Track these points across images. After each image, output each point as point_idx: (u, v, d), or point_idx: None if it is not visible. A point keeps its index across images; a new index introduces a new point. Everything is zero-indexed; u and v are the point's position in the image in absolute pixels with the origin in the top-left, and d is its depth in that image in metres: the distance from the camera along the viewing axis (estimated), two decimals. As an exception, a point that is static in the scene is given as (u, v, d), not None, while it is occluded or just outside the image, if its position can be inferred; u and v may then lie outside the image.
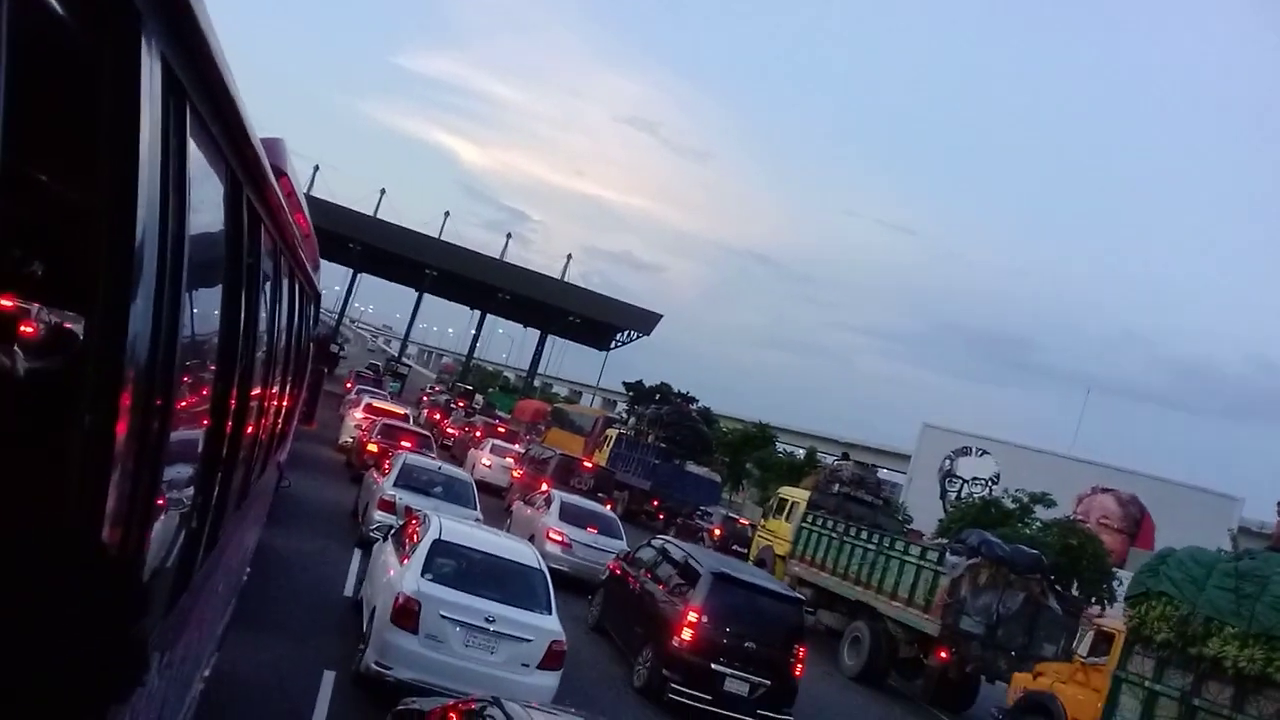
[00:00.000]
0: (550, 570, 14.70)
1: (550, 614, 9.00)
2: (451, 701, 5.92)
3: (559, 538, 16.62)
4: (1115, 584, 31.45)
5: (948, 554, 17.26)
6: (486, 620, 8.45)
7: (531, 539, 14.02)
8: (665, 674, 11.13)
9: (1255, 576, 11.21)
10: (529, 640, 8.57)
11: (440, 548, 9.06)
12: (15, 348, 1.54)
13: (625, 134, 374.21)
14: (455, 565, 9.06)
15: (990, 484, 56.04)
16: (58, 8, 1.32)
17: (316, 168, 72.55)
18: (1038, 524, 35.58)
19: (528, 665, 8.51)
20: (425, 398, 51.13)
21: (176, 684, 3.27)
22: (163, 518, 2.18)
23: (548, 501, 18.07)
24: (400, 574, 8.87)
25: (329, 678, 8.43)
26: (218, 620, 5.31)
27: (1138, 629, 12.21)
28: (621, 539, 17.19)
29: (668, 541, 14.42)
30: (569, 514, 17.41)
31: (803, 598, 13.79)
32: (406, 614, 8.28)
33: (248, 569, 8.06)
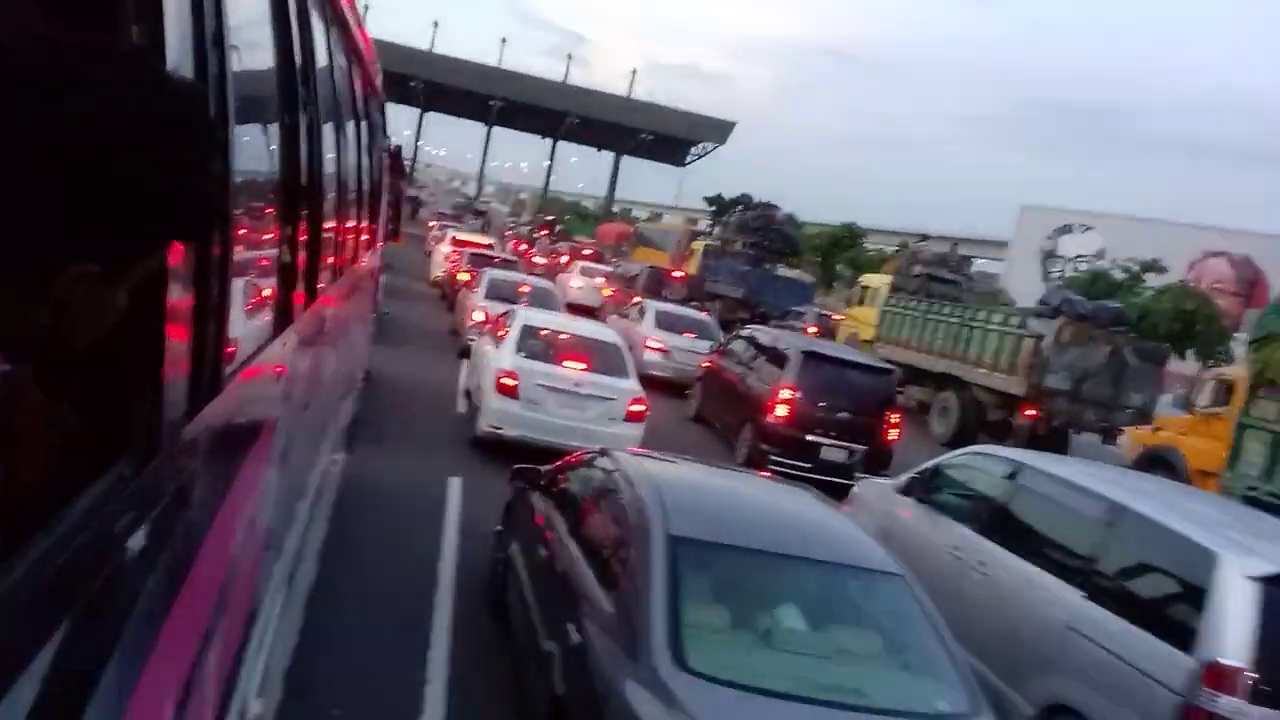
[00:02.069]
0: (650, 377, 15.47)
1: (629, 378, 10.50)
2: (569, 457, 6.34)
3: (658, 345, 16.75)
4: (1233, 345, 30.38)
5: (1030, 318, 17.48)
6: (575, 385, 9.98)
7: (630, 350, 14.32)
8: (764, 448, 11.56)
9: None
10: (612, 399, 10.09)
11: (528, 331, 10.61)
12: None
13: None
14: (543, 344, 10.54)
15: (1095, 260, 54.02)
16: None
17: (367, 6, 70.72)
18: (1149, 292, 34.29)
19: (614, 419, 10.00)
20: (509, 230, 51.32)
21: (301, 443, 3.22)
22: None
23: (641, 312, 18.13)
24: (498, 355, 10.36)
25: (455, 484, 8.74)
26: (336, 407, 5.28)
27: (1261, 373, 11.81)
28: (719, 340, 17.17)
29: (756, 329, 14.57)
30: (664, 322, 17.47)
31: (892, 368, 13.95)
32: (506, 385, 9.83)
33: (362, 377, 8.44)
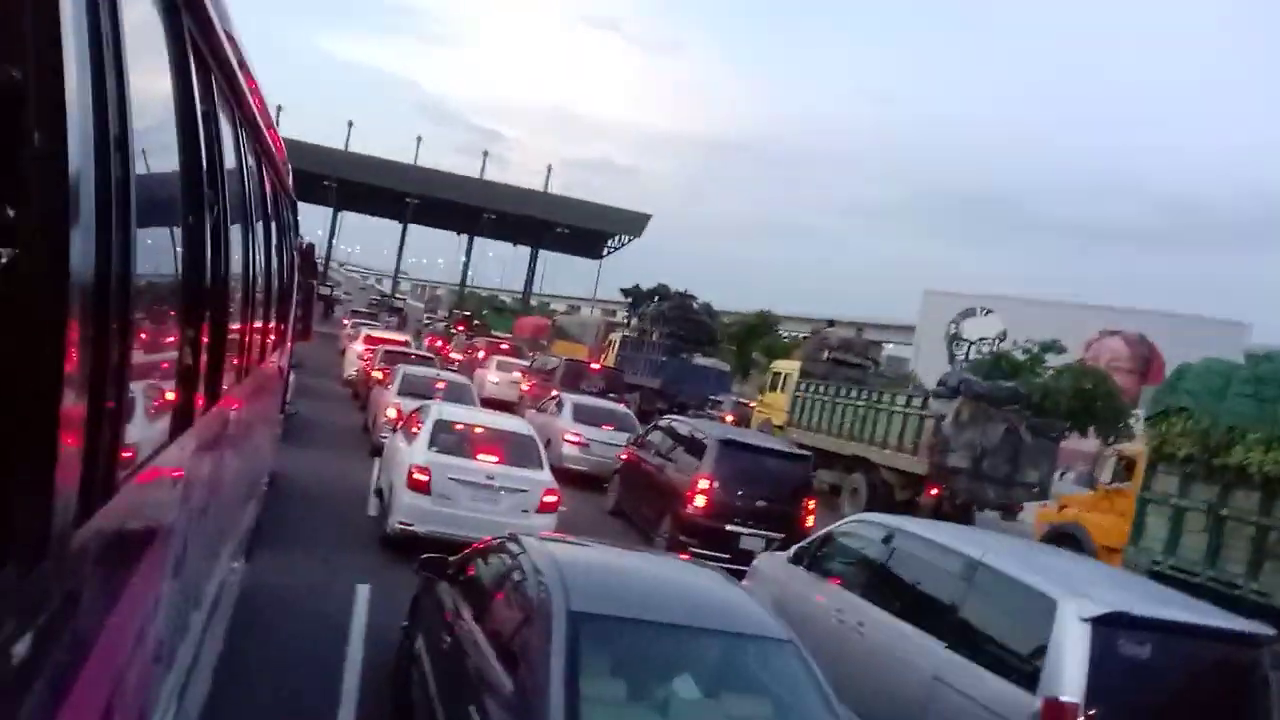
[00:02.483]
0: (569, 470, 15.40)
1: (542, 469, 10.58)
2: (477, 544, 6.44)
3: (575, 438, 16.64)
4: (1132, 421, 31.64)
5: (931, 398, 18.16)
6: (488, 478, 10.03)
7: (548, 444, 14.32)
8: (683, 540, 11.49)
9: (1275, 380, 11.17)
10: (525, 490, 10.14)
11: (441, 425, 10.67)
12: None
13: (587, 35, 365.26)
14: (456, 438, 10.58)
15: (997, 341, 56.07)
16: None
17: (280, 107, 70.95)
18: (1049, 372, 35.62)
19: (527, 511, 10.01)
20: (425, 327, 51.01)
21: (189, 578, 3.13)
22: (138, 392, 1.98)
23: (559, 405, 18.06)
24: (410, 451, 10.39)
25: (363, 591, 8.45)
26: (236, 512, 5.17)
27: (1159, 448, 12.24)
28: (638, 432, 17.19)
29: (674, 419, 14.66)
30: (582, 414, 17.39)
31: (809, 454, 14.04)
32: (419, 480, 9.84)
33: (266, 479, 8.18)
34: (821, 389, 21.92)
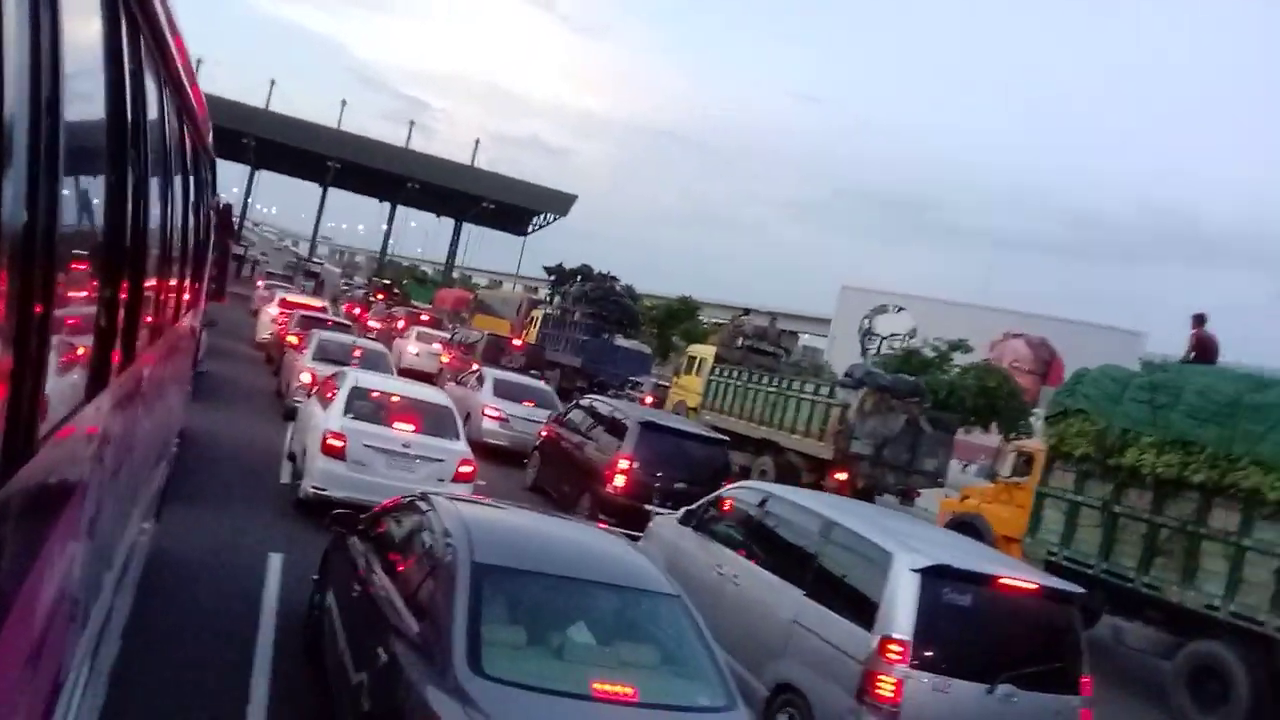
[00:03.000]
0: (488, 445, 15.34)
1: (459, 440, 10.61)
2: (388, 501, 6.63)
3: (495, 413, 16.55)
4: (1032, 420, 32.85)
5: (837, 388, 19.04)
6: (403, 446, 10.03)
7: (467, 418, 14.26)
8: (601, 518, 11.52)
9: (1169, 387, 11.76)
10: (441, 460, 10.14)
11: (357, 392, 10.62)
12: None
13: (521, 11, 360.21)
14: (372, 406, 10.55)
15: (907, 338, 57.27)
16: None
17: (199, 61, 68.28)
18: (955, 369, 36.72)
19: (443, 480, 9.93)
20: (343, 293, 49.93)
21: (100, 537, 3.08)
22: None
23: (480, 380, 17.93)
24: (325, 416, 10.29)
25: (276, 560, 8.27)
26: (148, 472, 5.11)
27: (1057, 446, 12.79)
28: (558, 410, 17.17)
29: (595, 399, 14.71)
30: (503, 390, 17.31)
31: (725, 439, 14.30)
32: (333, 446, 9.78)
33: (176, 439, 7.96)
34: (735, 374, 22.43)
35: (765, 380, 21.15)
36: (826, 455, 18.09)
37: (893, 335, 61.13)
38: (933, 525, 10.39)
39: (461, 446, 10.56)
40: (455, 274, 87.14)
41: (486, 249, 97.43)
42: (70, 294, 2.10)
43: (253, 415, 15.27)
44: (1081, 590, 6.85)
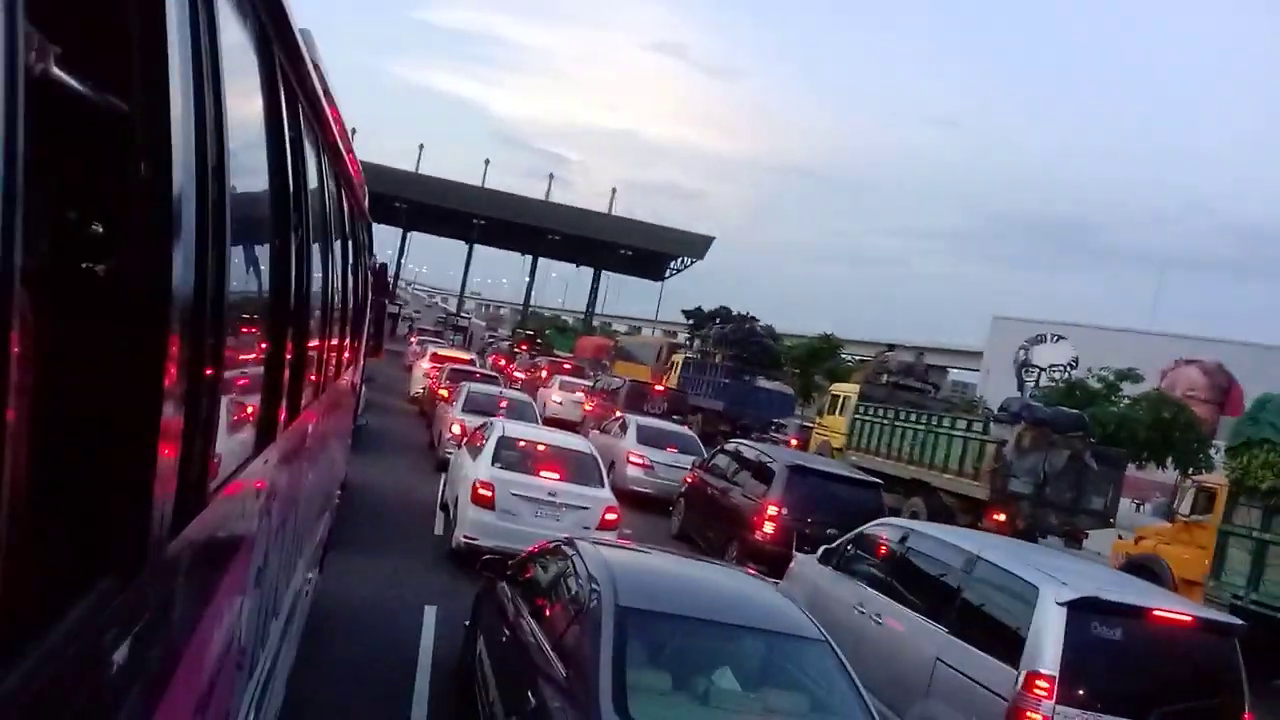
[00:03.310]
0: (632, 493, 15.43)
1: (603, 487, 10.76)
2: (534, 546, 6.77)
3: (639, 460, 16.66)
4: (1212, 452, 30.53)
5: (992, 423, 18.19)
6: (550, 495, 10.20)
7: (612, 466, 14.41)
8: (750, 565, 11.29)
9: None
10: (586, 508, 10.26)
11: (505, 442, 10.89)
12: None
13: (654, 61, 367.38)
14: (519, 455, 10.82)
15: (1069, 369, 54.54)
16: None
17: (353, 130, 72.61)
18: (1125, 400, 34.54)
19: (588, 528, 9.92)
20: (488, 345, 51.59)
21: (267, 590, 3.21)
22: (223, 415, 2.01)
23: (623, 427, 18.11)
24: (475, 467, 10.58)
25: (430, 613, 8.46)
26: (313, 523, 5.25)
27: (1242, 480, 11.87)
28: (702, 455, 17.08)
29: (741, 444, 14.57)
30: (646, 436, 17.43)
31: (878, 481, 13.86)
32: (483, 495, 10.01)
33: (339, 490, 8.33)
34: (880, 412, 21.92)
35: (913, 417, 20.66)
36: (982, 495, 17.34)
37: (1053, 366, 58.76)
38: (1082, 558, 10.06)
39: (606, 494, 10.69)
40: (595, 322, 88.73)
41: (625, 296, 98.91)
42: (240, 352, 2.18)
43: (407, 467, 15.86)
44: (1241, 622, 6.58)
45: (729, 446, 14.52)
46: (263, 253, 2.46)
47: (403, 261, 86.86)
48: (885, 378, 25.61)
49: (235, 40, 1.99)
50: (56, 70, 1.00)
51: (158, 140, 1.34)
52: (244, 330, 2.27)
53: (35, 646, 1.00)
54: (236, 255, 1.92)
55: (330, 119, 4.18)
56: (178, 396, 1.46)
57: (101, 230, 1.29)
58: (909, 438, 20.00)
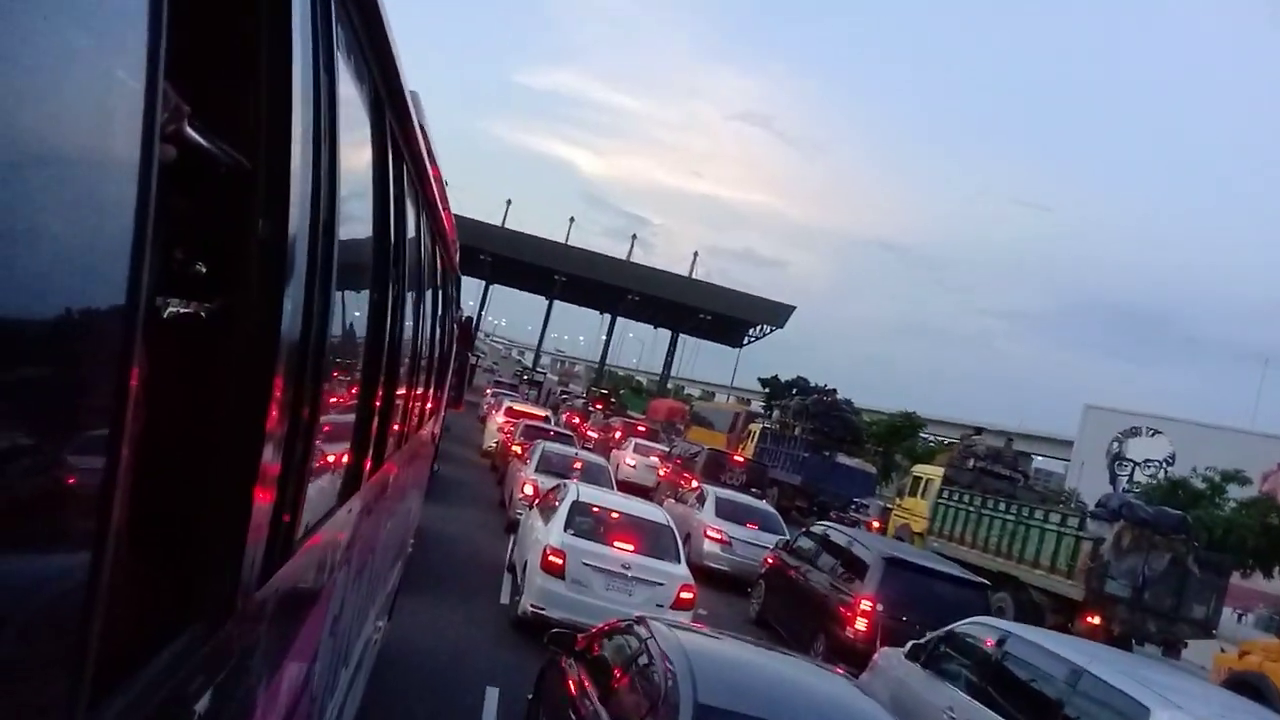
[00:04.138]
0: (708, 569, 14.54)
1: (679, 563, 10.17)
2: (605, 624, 6.45)
3: (717, 535, 15.70)
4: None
5: (1088, 519, 17.22)
6: (623, 567, 9.63)
7: (687, 539, 13.63)
8: (840, 667, 10.33)
9: None
10: (661, 584, 9.67)
11: (579, 507, 10.28)
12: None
13: (739, 130, 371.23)
14: (592, 522, 10.23)
15: (1165, 465, 52.08)
16: None
17: (447, 183, 74.08)
18: (1231, 504, 32.46)
19: (661, 606, 9.37)
20: (562, 400, 51.28)
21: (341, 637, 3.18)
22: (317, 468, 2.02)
23: (700, 499, 17.21)
24: (546, 531, 10.00)
25: (493, 695, 7.88)
26: (387, 573, 5.22)
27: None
28: (784, 534, 16.11)
29: (830, 527, 13.56)
30: (725, 510, 16.43)
31: (986, 582, 12.75)
32: (553, 563, 9.43)
33: (412, 540, 8.20)
34: (967, 499, 21.31)
35: (1002, 506, 19.84)
36: (1076, 595, 16.39)
37: (1148, 461, 56.02)
38: (1185, 672, 9.48)
39: (682, 571, 10.08)
40: (669, 384, 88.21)
41: (700, 360, 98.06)
42: (335, 402, 2.21)
43: (477, 524, 15.28)
44: None
45: (816, 529, 13.47)
46: (362, 305, 2.54)
47: (483, 313, 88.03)
48: (972, 462, 24.64)
49: (352, 102, 2.10)
50: (189, 130, 1.08)
51: (276, 195, 1.40)
52: (340, 380, 2.28)
53: (122, 694, 0.99)
54: (338, 307, 1.94)
55: (431, 177, 4.33)
56: (277, 444, 1.48)
57: (208, 273, 1.35)
58: (996, 528, 19.37)
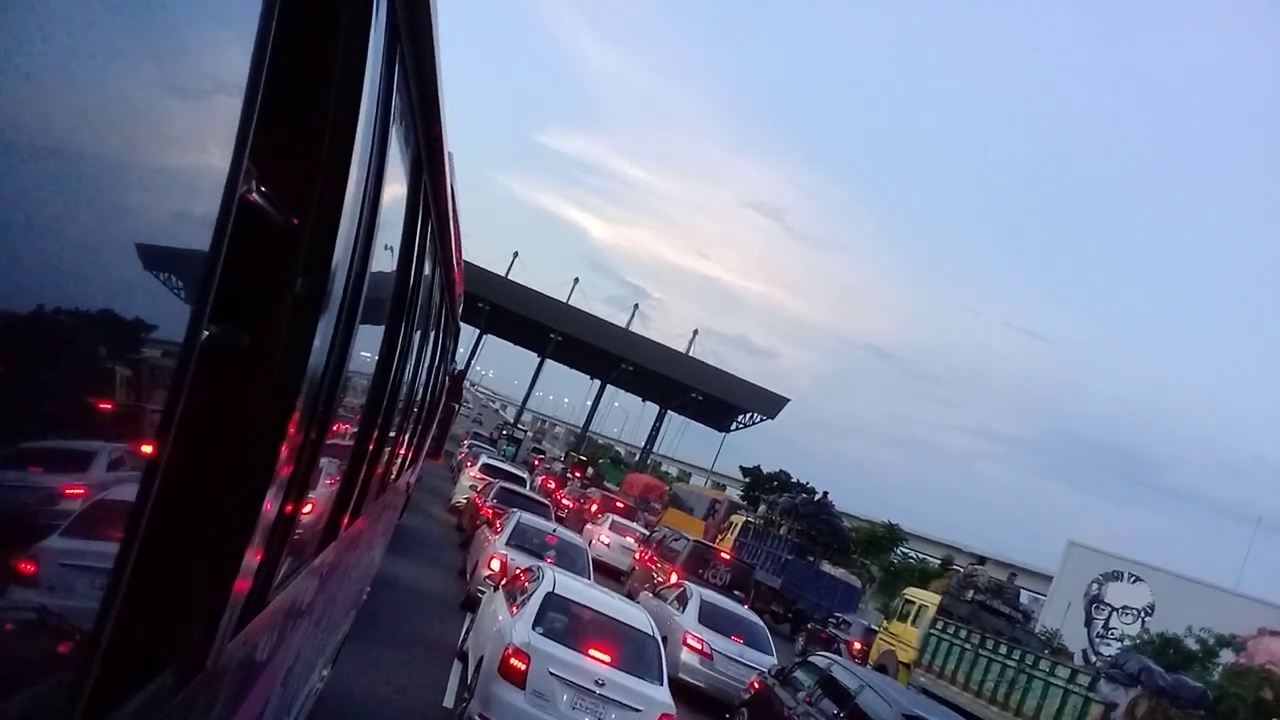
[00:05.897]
0: (683, 683, 12.87)
1: (662, 685, 8.75)
2: None
3: (698, 645, 13.96)
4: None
5: (1102, 680, 16.08)
6: (596, 683, 8.15)
7: (665, 642, 11.97)
8: None
9: None
10: (638, 710, 8.21)
11: (554, 602, 8.86)
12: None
13: (750, 219, 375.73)
14: (567, 621, 8.83)
15: (1143, 615, 50.77)
16: None
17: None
18: (1219, 668, 30.97)
19: None
20: (537, 463, 49.55)
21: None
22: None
23: (682, 600, 15.48)
24: (510, 624, 8.55)
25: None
26: (341, 621, 4.96)
27: None
28: (771, 655, 14.40)
29: (835, 662, 11.82)
30: (709, 617, 14.66)
31: None
32: (514, 667, 7.96)
33: (368, 587, 7.59)
34: (964, 634, 19.86)
35: (1003, 650, 18.33)
36: None
37: (1125, 608, 54.38)
38: None
39: (664, 696, 8.59)
40: (649, 459, 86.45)
41: (684, 439, 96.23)
42: (330, 458, 2.21)
43: (431, 594, 13.66)
44: None
45: (819, 661, 11.65)
46: (369, 361, 2.54)
47: (473, 362, 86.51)
48: (971, 594, 23.04)
49: (396, 163, 2.18)
50: (255, 195, 1.17)
51: (319, 252, 1.48)
52: (338, 433, 2.23)
53: None
54: (349, 363, 1.93)
55: (451, 235, 4.36)
56: (275, 496, 1.48)
57: (250, 335, 1.40)
58: (994, 672, 17.99)
